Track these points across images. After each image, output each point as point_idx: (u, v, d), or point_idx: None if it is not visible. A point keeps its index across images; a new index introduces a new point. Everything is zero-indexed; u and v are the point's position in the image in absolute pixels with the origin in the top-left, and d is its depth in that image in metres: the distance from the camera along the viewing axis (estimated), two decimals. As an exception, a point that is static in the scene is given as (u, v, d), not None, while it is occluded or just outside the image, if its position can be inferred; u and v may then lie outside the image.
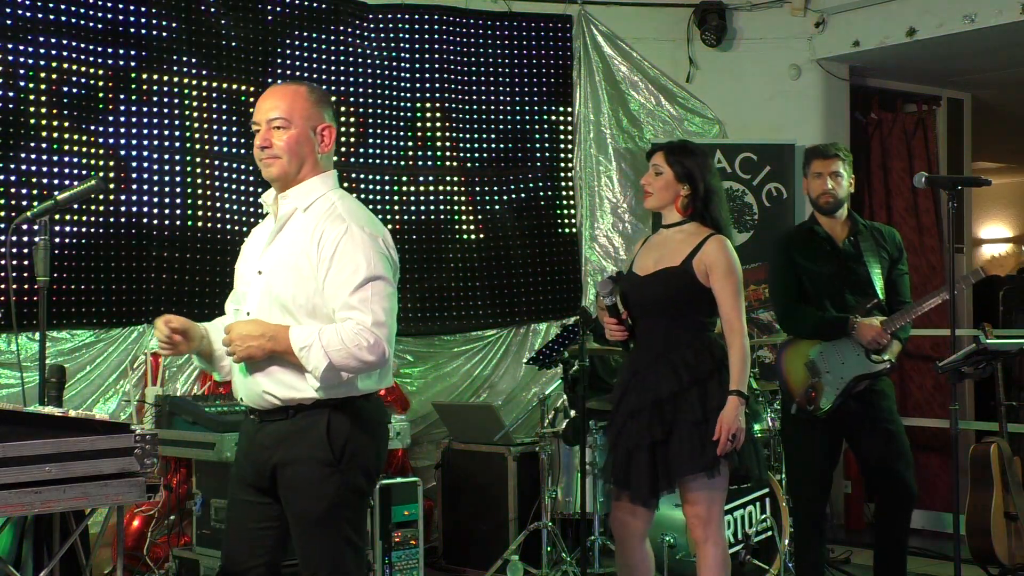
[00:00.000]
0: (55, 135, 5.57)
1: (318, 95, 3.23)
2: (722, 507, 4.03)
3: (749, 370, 3.95)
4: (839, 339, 4.61)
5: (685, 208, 4.06)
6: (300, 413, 3.09)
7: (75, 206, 5.48)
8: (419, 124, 6.78)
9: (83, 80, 5.67)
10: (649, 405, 3.94)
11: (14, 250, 5.34)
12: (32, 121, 5.51)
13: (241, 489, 3.24)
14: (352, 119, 6.57)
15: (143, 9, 5.87)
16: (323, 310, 3.07)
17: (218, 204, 6.06)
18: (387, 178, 6.68)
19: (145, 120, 5.85)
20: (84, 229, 5.65)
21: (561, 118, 7.17)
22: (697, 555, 4.04)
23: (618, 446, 4.03)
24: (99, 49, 5.73)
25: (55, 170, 5.56)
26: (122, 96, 5.79)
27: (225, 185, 6.10)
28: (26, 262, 5.27)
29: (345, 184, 6.47)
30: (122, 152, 5.79)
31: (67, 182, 5.52)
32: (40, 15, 5.55)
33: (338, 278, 3.03)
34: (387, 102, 6.69)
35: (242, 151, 6.16)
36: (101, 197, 5.69)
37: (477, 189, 6.94)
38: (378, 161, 6.66)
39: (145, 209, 5.84)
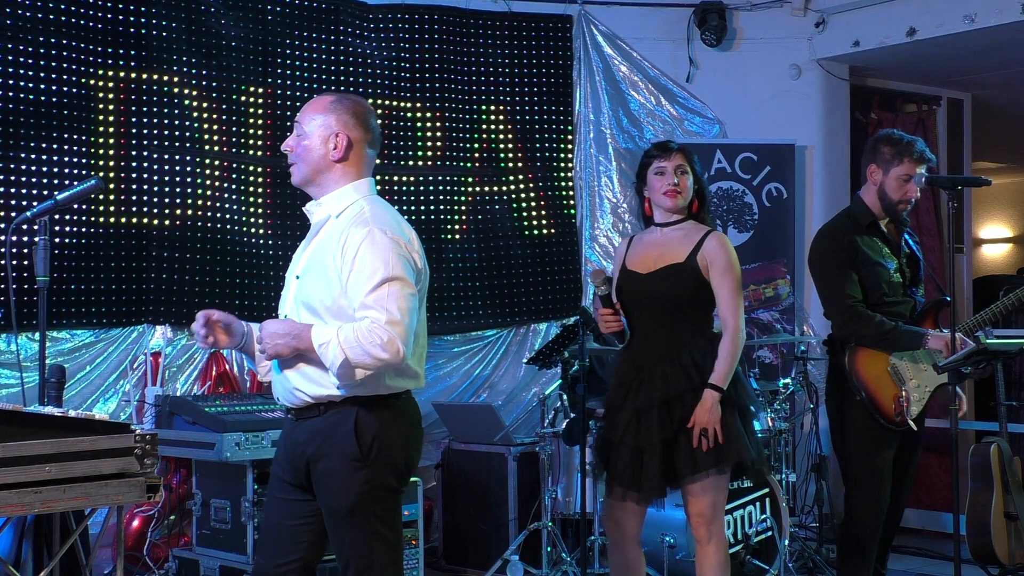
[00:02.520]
0: (55, 135, 5.57)
1: (340, 104, 3.34)
2: (724, 506, 4.05)
3: (735, 366, 3.96)
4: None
5: (699, 207, 4.13)
6: (331, 410, 3.20)
7: (75, 206, 5.47)
8: (419, 124, 6.77)
9: (83, 80, 5.68)
10: (657, 404, 3.94)
11: (14, 250, 5.34)
12: (32, 121, 5.51)
13: (279, 487, 3.34)
14: (352, 119, 6.55)
15: (143, 9, 5.87)
16: (347, 311, 3.17)
17: (218, 204, 6.06)
18: (387, 178, 6.68)
19: (145, 120, 5.85)
20: (84, 229, 5.65)
21: (561, 118, 7.16)
22: (698, 554, 4.03)
23: (623, 445, 4.00)
24: (99, 49, 5.73)
25: (55, 170, 5.56)
26: (122, 96, 5.80)
27: (225, 185, 6.10)
28: (26, 262, 5.27)
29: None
30: (122, 152, 5.79)
31: (67, 182, 5.53)
32: (40, 15, 5.56)
33: (358, 279, 3.14)
34: (387, 102, 6.69)
35: (242, 151, 6.16)
36: (101, 197, 5.69)
37: (477, 189, 6.93)
38: (378, 161, 6.63)
39: (145, 209, 5.84)
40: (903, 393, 4.42)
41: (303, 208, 3.43)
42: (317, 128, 3.29)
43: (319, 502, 3.24)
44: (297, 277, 3.31)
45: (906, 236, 4.63)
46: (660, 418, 3.93)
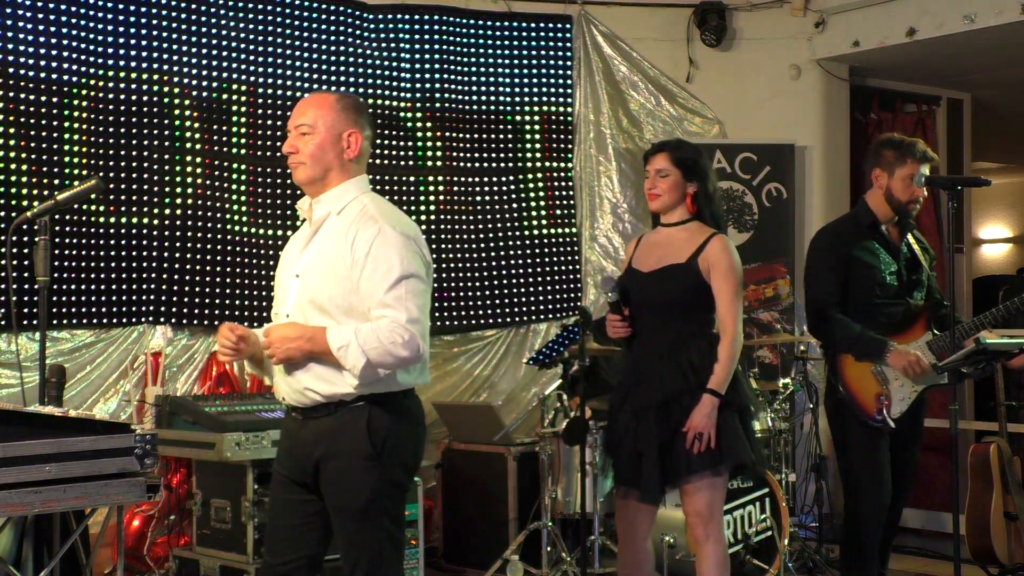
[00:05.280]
0: (55, 135, 5.57)
1: (347, 102, 3.33)
2: (722, 506, 4.05)
3: (733, 370, 3.95)
4: (905, 344, 4.46)
5: (695, 206, 4.07)
6: (342, 408, 3.19)
7: (75, 206, 5.48)
8: (419, 124, 6.77)
9: (83, 80, 5.68)
10: (656, 405, 3.94)
11: (14, 250, 5.34)
12: (32, 121, 5.52)
13: (284, 487, 3.32)
14: (352, 119, 6.56)
15: (143, 9, 5.87)
16: (359, 308, 3.16)
17: (218, 204, 6.06)
18: (387, 178, 6.68)
19: (145, 120, 5.85)
20: (84, 229, 5.65)
21: (561, 118, 7.17)
22: (697, 554, 4.04)
23: (624, 445, 4.03)
24: (99, 49, 5.74)
25: (55, 170, 5.56)
26: (122, 96, 5.80)
27: (225, 185, 6.10)
28: (26, 262, 5.27)
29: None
30: (122, 152, 5.79)
31: (67, 182, 5.53)
32: (41, 15, 5.56)
33: (373, 277, 3.13)
34: (387, 102, 6.69)
35: (242, 151, 6.16)
36: (101, 197, 5.69)
37: (477, 189, 6.94)
38: (378, 161, 6.65)
39: (145, 209, 5.84)
40: (885, 391, 4.44)
41: (297, 205, 3.41)
42: (328, 127, 3.27)
43: (328, 501, 3.22)
44: (297, 276, 3.28)
45: (909, 240, 4.64)
46: (658, 420, 3.93)
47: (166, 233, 5.89)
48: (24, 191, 5.48)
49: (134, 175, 5.82)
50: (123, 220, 5.78)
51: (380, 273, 3.12)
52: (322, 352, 3.12)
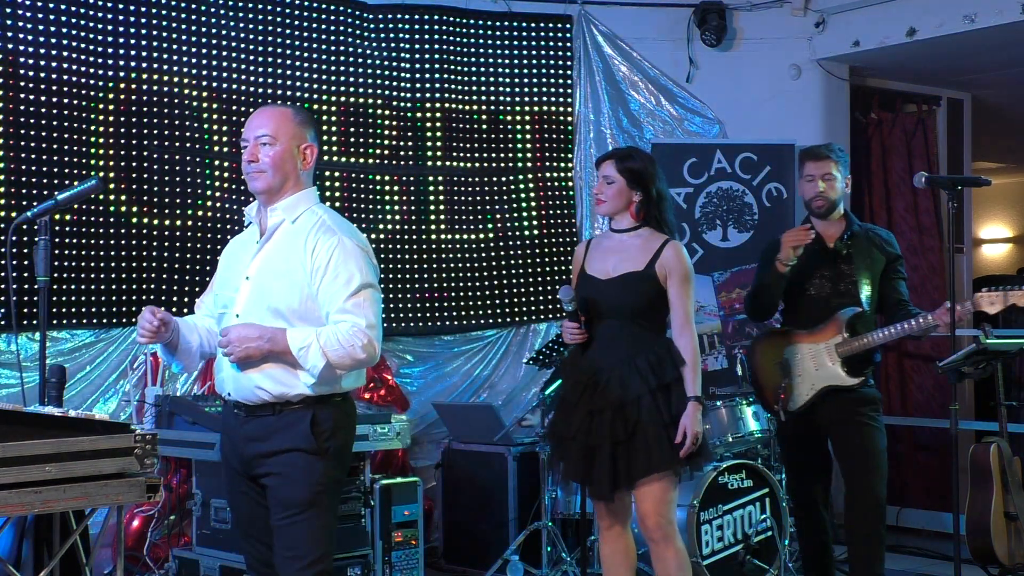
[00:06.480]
0: (55, 135, 5.57)
1: (303, 116, 3.49)
2: (675, 506, 4.15)
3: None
4: (815, 343, 4.59)
5: (638, 213, 4.16)
6: (287, 409, 3.32)
7: (75, 206, 5.48)
8: (419, 124, 6.78)
9: (83, 80, 5.68)
10: (613, 405, 4.02)
11: (14, 250, 5.34)
12: (32, 121, 5.52)
13: (234, 479, 3.46)
14: (352, 119, 6.57)
15: (143, 9, 5.87)
16: (313, 314, 3.31)
17: (218, 204, 6.07)
18: (387, 178, 6.68)
19: (145, 120, 5.86)
20: (84, 229, 5.66)
21: (561, 118, 7.17)
22: (654, 555, 4.11)
23: (575, 441, 4.11)
24: (99, 49, 5.74)
25: (55, 170, 5.56)
26: (122, 96, 5.80)
27: (224, 185, 6.10)
28: (26, 262, 5.28)
29: (345, 184, 6.50)
30: (122, 152, 5.79)
31: (67, 182, 5.53)
32: (40, 15, 5.56)
33: (333, 285, 3.29)
34: (387, 102, 6.69)
35: (242, 151, 6.15)
36: (101, 197, 5.69)
37: (477, 189, 6.94)
38: (378, 161, 6.65)
39: (145, 209, 5.84)
40: (784, 384, 4.56)
41: (245, 210, 3.55)
42: (289, 139, 3.41)
43: (270, 494, 3.33)
44: (247, 278, 3.38)
45: (848, 241, 4.66)
46: (613, 420, 4.02)
47: (166, 233, 5.90)
48: (24, 191, 5.48)
49: (134, 175, 5.82)
50: (123, 220, 5.79)
51: (341, 281, 3.29)
52: (282, 352, 3.26)
